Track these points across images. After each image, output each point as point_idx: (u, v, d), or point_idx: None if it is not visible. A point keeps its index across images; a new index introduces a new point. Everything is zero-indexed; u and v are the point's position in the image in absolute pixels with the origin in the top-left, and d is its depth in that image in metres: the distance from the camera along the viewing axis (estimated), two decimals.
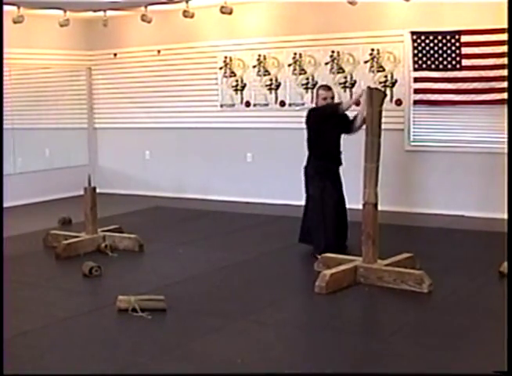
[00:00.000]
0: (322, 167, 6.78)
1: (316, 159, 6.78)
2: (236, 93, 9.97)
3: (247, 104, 9.92)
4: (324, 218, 6.66)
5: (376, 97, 5.81)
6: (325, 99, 6.76)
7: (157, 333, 4.80)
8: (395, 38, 8.73)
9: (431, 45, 8.43)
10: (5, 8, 8.57)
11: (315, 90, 7.27)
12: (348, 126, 6.78)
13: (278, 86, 9.65)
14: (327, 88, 6.93)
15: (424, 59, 8.51)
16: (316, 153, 6.77)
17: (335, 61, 9.21)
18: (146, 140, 10.88)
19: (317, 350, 4.52)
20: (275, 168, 9.77)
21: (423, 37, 8.48)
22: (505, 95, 7.88)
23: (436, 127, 8.69)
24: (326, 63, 9.27)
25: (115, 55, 10.89)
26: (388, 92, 8.87)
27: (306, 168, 6.88)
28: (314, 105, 7.14)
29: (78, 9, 9.83)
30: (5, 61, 8.63)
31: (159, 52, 10.47)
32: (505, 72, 7.88)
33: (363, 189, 5.82)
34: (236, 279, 6.10)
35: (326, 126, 6.67)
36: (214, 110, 10.19)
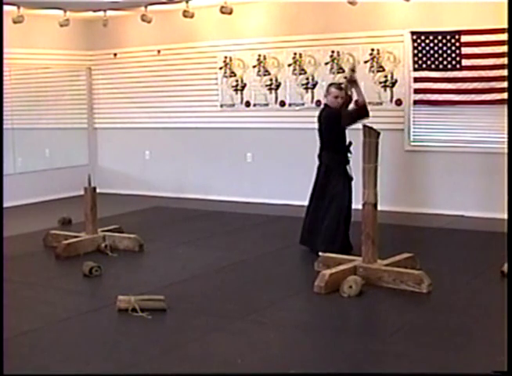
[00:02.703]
0: (340, 161, 6.75)
1: (333, 152, 6.76)
2: (236, 93, 9.97)
3: (247, 104, 9.92)
4: (345, 217, 6.68)
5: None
6: (336, 97, 6.72)
7: (157, 333, 4.80)
8: (395, 38, 8.74)
9: (431, 45, 8.43)
10: (5, 8, 8.56)
11: (326, 86, 7.14)
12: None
13: (278, 86, 9.64)
14: (340, 86, 6.88)
15: (424, 59, 8.51)
16: (334, 148, 6.75)
17: (335, 61, 9.20)
18: (146, 140, 10.88)
19: (317, 350, 4.52)
20: (275, 168, 9.77)
21: (423, 37, 8.48)
22: (505, 95, 7.88)
23: (436, 127, 8.69)
24: (326, 63, 9.27)
25: (115, 55, 10.89)
26: (388, 92, 8.89)
27: (320, 165, 6.84)
28: (325, 101, 7.02)
29: (78, 9, 9.83)
30: (5, 61, 8.61)
31: (159, 52, 10.47)
32: (505, 72, 7.88)
33: (362, 189, 5.82)
34: (236, 279, 6.11)
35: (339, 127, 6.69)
36: (214, 110, 10.19)
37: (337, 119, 6.65)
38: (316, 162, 6.92)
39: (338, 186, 6.69)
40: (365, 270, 5.71)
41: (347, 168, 6.74)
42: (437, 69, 8.46)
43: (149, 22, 9.55)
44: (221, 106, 10.14)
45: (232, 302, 5.41)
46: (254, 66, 9.80)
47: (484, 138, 8.40)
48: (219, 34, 9.97)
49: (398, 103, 8.85)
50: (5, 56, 8.22)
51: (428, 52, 8.47)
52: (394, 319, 5.06)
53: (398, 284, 5.55)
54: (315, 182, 6.90)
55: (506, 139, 7.65)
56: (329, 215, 6.70)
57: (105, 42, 10.86)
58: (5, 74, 9.40)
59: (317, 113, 7.02)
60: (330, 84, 7.00)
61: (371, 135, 5.81)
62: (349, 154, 6.75)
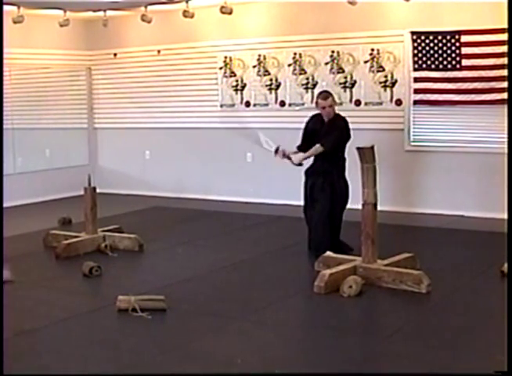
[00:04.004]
0: (320, 167, 6.78)
1: (316, 160, 6.82)
2: (236, 93, 9.97)
3: (247, 104, 9.92)
4: (328, 222, 6.71)
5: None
6: (324, 108, 6.68)
7: (157, 333, 4.80)
8: (395, 38, 8.73)
9: (431, 45, 8.43)
10: (5, 8, 8.57)
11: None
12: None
13: (278, 86, 9.65)
14: (325, 96, 6.73)
15: (424, 59, 8.51)
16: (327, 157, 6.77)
17: (335, 61, 9.21)
18: (146, 140, 10.88)
19: (317, 350, 4.52)
20: (275, 168, 9.74)
21: (423, 37, 8.48)
22: (505, 95, 7.89)
23: (436, 127, 8.69)
24: (326, 63, 9.27)
25: (115, 55, 10.89)
26: (388, 91, 8.89)
27: (308, 170, 6.88)
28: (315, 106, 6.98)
29: (78, 9, 9.83)
30: (5, 61, 8.62)
31: (159, 52, 10.47)
32: (505, 72, 7.88)
33: (362, 189, 5.81)
34: (236, 279, 6.11)
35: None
36: (214, 110, 10.19)
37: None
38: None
39: (321, 193, 6.71)
40: (364, 270, 5.70)
41: (335, 178, 6.77)
42: (437, 69, 8.45)
43: (149, 22, 9.55)
44: (221, 106, 10.14)
45: (232, 302, 5.41)
46: (254, 66, 9.80)
47: (484, 138, 8.40)
48: (219, 34, 9.97)
49: (398, 103, 8.84)
50: (5, 56, 8.24)
51: (428, 52, 8.46)
52: (393, 319, 5.06)
53: (398, 284, 5.55)
54: (304, 191, 6.91)
55: (506, 139, 7.66)
56: (313, 222, 6.77)
57: (105, 42, 10.86)
58: (5, 74, 9.41)
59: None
60: (317, 95, 6.89)
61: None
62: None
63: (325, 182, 6.71)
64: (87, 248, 6.95)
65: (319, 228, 6.69)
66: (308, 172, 6.89)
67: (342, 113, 6.93)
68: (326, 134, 6.68)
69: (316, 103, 6.81)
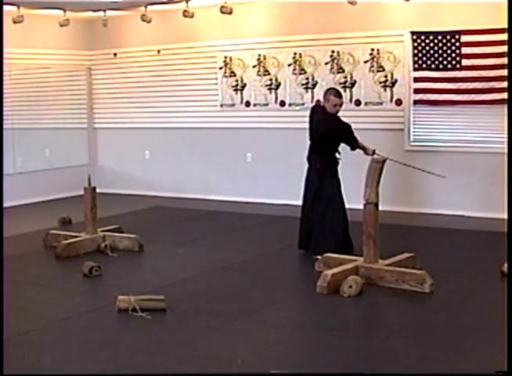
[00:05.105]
0: (331, 163, 6.74)
1: (324, 156, 6.73)
2: (236, 93, 9.97)
3: (247, 104, 9.92)
4: (344, 217, 6.69)
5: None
6: (335, 105, 6.60)
7: (157, 333, 4.80)
8: (395, 38, 8.73)
9: (431, 45, 8.43)
10: (5, 8, 8.57)
11: (324, 91, 6.87)
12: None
13: (278, 86, 9.64)
14: (339, 94, 6.67)
15: (424, 59, 8.51)
16: (325, 151, 6.72)
17: (335, 61, 9.20)
18: (146, 140, 10.88)
19: (317, 350, 4.52)
20: (275, 168, 9.77)
21: (423, 37, 8.48)
22: (505, 95, 7.89)
23: (436, 127, 8.68)
24: (326, 63, 9.27)
25: (115, 55, 10.89)
26: (388, 91, 8.89)
27: (310, 168, 6.80)
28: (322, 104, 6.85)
29: (78, 9, 9.84)
30: (5, 61, 8.63)
31: (159, 52, 10.47)
32: (505, 72, 7.88)
33: (364, 187, 5.79)
34: (236, 279, 6.10)
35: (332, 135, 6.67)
36: (214, 110, 10.19)
37: (331, 128, 6.62)
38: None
39: (332, 188, 6.68)
40: (366, 270, 5.70)
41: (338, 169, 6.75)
42: (437, 69, 8.45)
43: (149, 22, 9.55)
44: (221, 106, 10.14)
45: (232, 302, 5.40)
46: (254, 66, 9.80)
47: (484, 138, 8.40)
48: (219, 34, 9.97)
49: (398, 103, 8.85)
50: (5, 55, 8.25)
51: (428, 52, 8.46)
52: (393, 319, 5.06)
53: (400, 284, 5.54)
54: (305, 185, 6.84)
55: (506, 139, 7.66)
56: (326, 217, 6.66)
57: (105, 42, 10.86)
58: (5, 74, 9.41)
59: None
60: (329, 90, 6.77)
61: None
62: (338, 155, 6.74)
63: (337, 179, 6.73)
64: (87, 248, 6.95)
65: (336, 225, 6.64)
66: (309, 176, 6.81)
67: (343, 114, 6.91)
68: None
69: (326, 98, 6.65)
